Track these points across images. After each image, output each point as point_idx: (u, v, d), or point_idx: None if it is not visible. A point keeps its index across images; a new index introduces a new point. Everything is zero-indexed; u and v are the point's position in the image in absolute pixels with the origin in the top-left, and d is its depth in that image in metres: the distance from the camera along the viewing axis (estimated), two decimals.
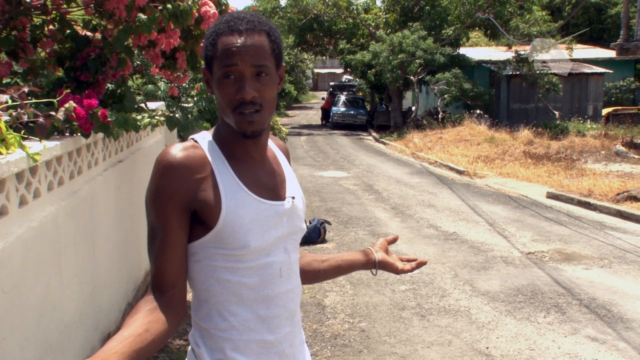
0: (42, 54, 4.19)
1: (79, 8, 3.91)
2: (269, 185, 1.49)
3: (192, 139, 1.47)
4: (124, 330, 1.28)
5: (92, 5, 3.72)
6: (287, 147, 1.71)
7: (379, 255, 1.81)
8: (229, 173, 1.43)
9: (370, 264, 1.80)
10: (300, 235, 1.57)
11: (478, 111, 21.03)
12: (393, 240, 1.90)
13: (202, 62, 1.56)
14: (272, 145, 1.62)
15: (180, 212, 1.38)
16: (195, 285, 1.47)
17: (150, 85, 5.39)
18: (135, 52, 4.16)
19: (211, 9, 3.77)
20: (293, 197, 1.53)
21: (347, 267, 1.80)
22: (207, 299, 1.44)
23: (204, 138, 1.47)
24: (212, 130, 1.51)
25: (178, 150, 1.40)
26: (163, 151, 1.42)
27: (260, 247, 1.42)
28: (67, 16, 3.98)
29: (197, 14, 3.78)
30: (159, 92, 5.27)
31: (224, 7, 4.04)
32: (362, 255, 1.82)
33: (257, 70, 1.39)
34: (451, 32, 22.93)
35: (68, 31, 3.97)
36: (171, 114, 4.29)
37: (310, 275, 1.76)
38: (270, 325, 1.47)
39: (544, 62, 20.87)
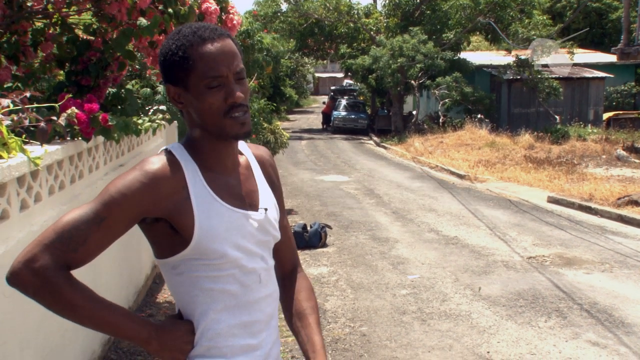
0: (42, 56, 4.18)
1: (80, 10, 3.91)
2: (241, 194, 1.51)
3: (168, 150, 1.47)
4: (107, 303, 1.44)
5: (91, 7, 3.71)
6: (270, 158, 1.68)
7: None
8: (202, 184, 1.44)
9: None
10: (273, 243, 1.59)
11: (479, 115, 21.01)
12: None
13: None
14: (249, 154, 1.62)
15: (135, 219, 1.42)
16: (181, 298, 1.50)
17: (147, 89, 5.37)
18: (137, 54, 4.15)
19: (212, 5, 3.73)
20: (266, 209, 1.54)
21: (302, 349, 1.66)
22: (193, 310, 1.48)
23: (178, 149, 1.47)
24: (183, 141, 1.51)
25: (158, 164, 1.42)
26: (146, 160, 1.43)
27: (237, 255, 1.45)
28: (68, 20, 3.98)
29: (198, 11, 3.74)
30: (158, 96, 5.24)
31: (224, 4, 3.99)
32: None
33: (238, 75, 1.44)
34: (452, 36, 22.95)
35: (69, 35, 3.97)
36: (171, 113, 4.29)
37: (288, 311, 1.69)
38: (251, 330, 1.50)
39: (544, 65, 20.87)
